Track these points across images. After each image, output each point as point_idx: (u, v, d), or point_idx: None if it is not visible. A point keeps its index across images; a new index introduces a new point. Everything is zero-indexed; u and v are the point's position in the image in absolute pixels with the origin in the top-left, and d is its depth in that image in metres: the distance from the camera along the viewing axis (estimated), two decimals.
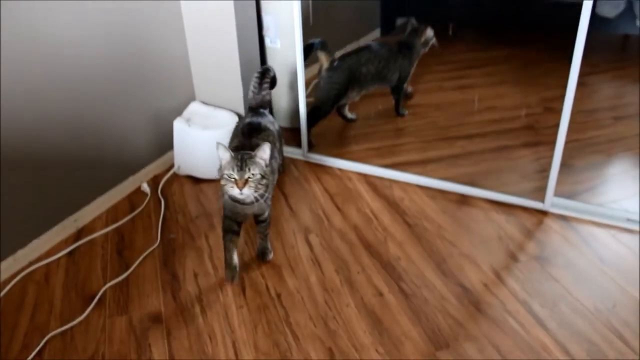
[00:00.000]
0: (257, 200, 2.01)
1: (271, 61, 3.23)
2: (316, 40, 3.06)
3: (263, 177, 1.98)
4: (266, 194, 2.07)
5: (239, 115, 2.94)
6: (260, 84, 2.56)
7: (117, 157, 2.73)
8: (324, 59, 3.13)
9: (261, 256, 2.33)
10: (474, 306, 2.05)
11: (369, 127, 3.40)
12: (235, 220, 2.16)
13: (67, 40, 2.34)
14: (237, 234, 2.19)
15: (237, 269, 2.21)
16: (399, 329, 1.97)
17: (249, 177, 1.94)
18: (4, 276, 2.27)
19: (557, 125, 2.39)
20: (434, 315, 2.01)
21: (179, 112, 2.98)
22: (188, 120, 2.88)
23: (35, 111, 2.27)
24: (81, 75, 2.43)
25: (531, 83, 3.89)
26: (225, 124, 2.83)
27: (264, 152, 1.99)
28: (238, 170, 1.93)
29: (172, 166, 3.00)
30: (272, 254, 2.34)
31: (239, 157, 1.96)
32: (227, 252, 2.19)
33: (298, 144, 3.10)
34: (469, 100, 3.70)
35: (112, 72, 2.58)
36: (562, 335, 1.91)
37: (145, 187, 2.84)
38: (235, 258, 2.20)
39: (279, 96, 3.33)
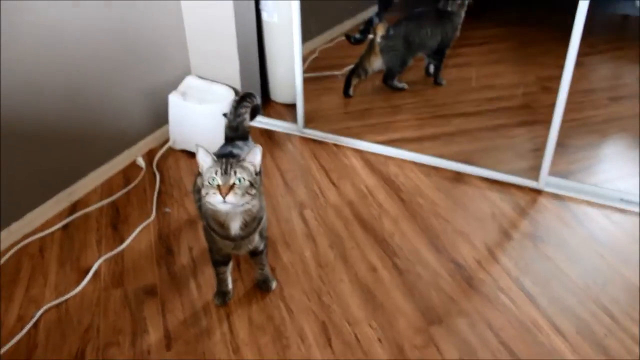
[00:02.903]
0: (247, 228, 1.75)
1: (268, 35, 3.21)
2: (373, 15, 3.33)
3: (252, 185, 1.65)
4: (262, 222, 1.83)
5: (235, 91, 2.93)
6: (237, 109, 2.03)
7: (112, 130, 2.71)
8: (380, 28, 3.31)
9: (262, 287, 2.08)
10: (467, 282, 2.06)
11: (365, 103, 3.39)
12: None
13: (63, 13, 2.31)
14: (228, 263, 1.99)
15: (230, 295, 2.04)
16: (392, 304, 1.98)
17: (235, 183, 1.62)
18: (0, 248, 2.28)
19: (553, 105, 2.39)
20: (427, 291, 2.03)
21: (174, 86, 2.97)
22: (183, 94, 2.87)
23: (31, 85, 2.25)
24: (76, 48, 2.41)
25: (528, 62, 3.88)
26: (221, 98, 2.81)
27: (255, 156, 1.68)
28: (222, 174, 1.61)
29: (167, 140, 2.99)
30: (275, 282, 2.09)
31: (224, 160, 1.64)
32: (220, 281, 2.01)
33: (294, 120, 3.09)
34: (466, 78, 3.69)
35: (107, 45, 2.56)
36: (553, 312, 1.93)
37: (140, 161, 2.83)
38: (229, 284, 2.03)
39: (276, 71, 3.31)
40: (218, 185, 1.60)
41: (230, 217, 1.71)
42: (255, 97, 2.11)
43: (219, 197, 1.60)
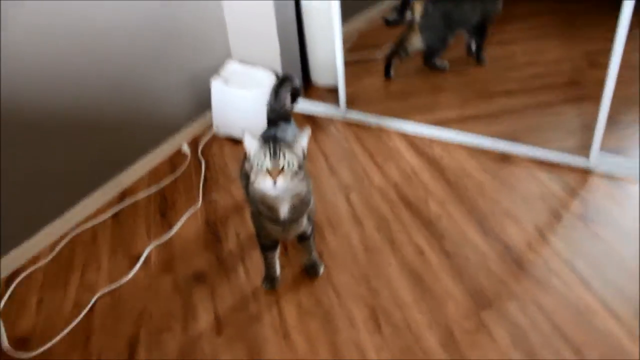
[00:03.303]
0: (296, 212, 1.75)
1: (307, 18, 3.19)
2: None
3: (300, 168, 1.65)
4: (310, 205, 1.83)
5: (276, 74, 2.93)
6: (277, 91, 2.05)
7: (156, 118, 2.75)
8: (417, 7, 3.25)
9: (310, 272, 2.08)
10: (517, 265, 2.03)
11: (407, 84, 3.35)
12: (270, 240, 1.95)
13: (104, 2, 2.33)
14: (276, 247, 2.00)
15: (278, 279, 2.05)
16: (440, 287, 1.97)
17: (284, 166, 1.61)
18: (54, 237, 2.34)
19: (602, 80, 2.31)
20: (476, 274, 2.01)
21: (215, 71, 2.98)
22: (226, 80, 2.88)
23: (75, 76, 2.29)
24: (118, 36, 2.44)
25: (575, 36, 3.76)
26: (262, 83, 2.82)
27: (303, 139, 1.67)
28: (271, 158, 1.60)
29: (211, 126, 3.01)
30: (322, 267, 2.09)
31: (271, 144, 1.62)
32: (269, 267, 2.02)
33: (335, 103, 3.08)
34: (509, 55, 3.60)
35: (148, 33, 2.58)
36: (607, 294, 1.89)
37: (186, 148, 2.86)
38: (277, 270, 2.04)
39: (317, 53, 3.29)
40: (267, 170, 1.60)
41: (279, 201, 1.71)
42: (294, 79, 2.12)
43: (269, 181, 1.60)
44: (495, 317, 1.84)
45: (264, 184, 1.62)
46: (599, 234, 2.13)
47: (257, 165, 1.62)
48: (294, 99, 2.18)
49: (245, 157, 1.74)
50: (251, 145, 1.66)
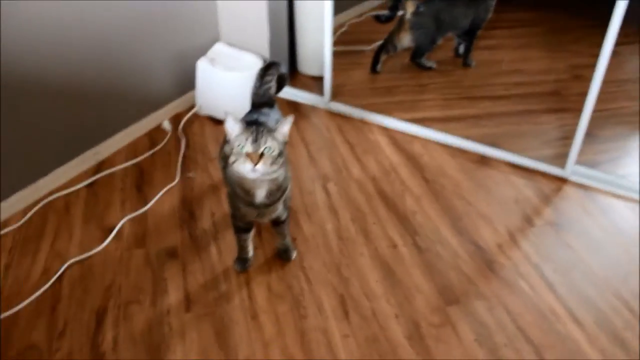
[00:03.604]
0: (272, 196, 1.76)
1: (299, 6, 3.18)
2: None
3: (280, 154, 1.66)
4: (287, 191, 1.84)
5: (264, 60, 2.92)
6: (263, 76, 2.06)
7: (139, 93, 2.72)
8: (409, 5, 3.25)
9: (283, 256, 2.09)
10: (487, 266, 2.07)
11: (393, 80, 3.37)
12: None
13: None
14: (250, 230, 1.99)
15: (250, 262, 2.06)
16: (410, 281, 1.99)
17: (265, 152, 1.62)
18: (27, 203, 2.31)
19: (584, 93, 2.36)
20: (447, 271, 2.04)
21: (203, 52, 2.96)
22: (212, 61, 2.87)
23: (61, 44, 2.26)
24: (107, 8, 2.41)
25: (560, 49, 3.81)
26: (249, 66, 2.80)
27: (285, 126, 1.68)
28: (252, 142, 1.61)
29: (193, 106, 3.00)
30: (295, 252, 2.10)
31: (253, 128, 1.64)
32: (241, 248, 2.02)
33: (320, 92, 3.08)
34: (495, 61, 3.64)
35: (138, 8, 2.56)
36: (572, 301, 1.93)
37: (166, 125, 2.84)
38: (250, 251, 2.04)
39: (305, 43, 3.29)
40: (248, 153, 1.61)
41: (256, 185, 1.72)
42: (281, 65, 2.13)
43: (248, 165, 1.61)
44: (461, 314, 1.87)
45: (244, 168, 1.63)
46: (568, 242, 2.18)
47: (238, 148, 1.62)
48: (280, 86, 2.20)
49: (225, 139, 1.74)
50: (233, 128, 1.67)
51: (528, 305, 1.91)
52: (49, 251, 2.10)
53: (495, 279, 2.01)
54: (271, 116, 1.96)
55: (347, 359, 1.72)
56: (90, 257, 2.09)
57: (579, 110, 2.41)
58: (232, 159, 1.64)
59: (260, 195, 1.75)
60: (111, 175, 2.52)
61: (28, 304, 1.89)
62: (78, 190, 2.41)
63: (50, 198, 2.35)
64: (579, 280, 2.01)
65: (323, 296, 1.93)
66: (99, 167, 2.56)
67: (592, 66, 2.28)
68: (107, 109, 2.57)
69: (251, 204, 1.77)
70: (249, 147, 1.61)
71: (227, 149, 1.69)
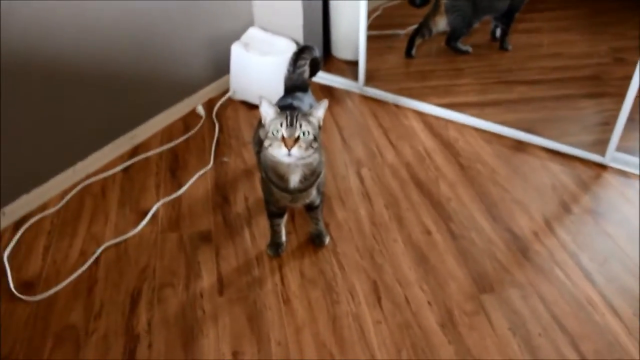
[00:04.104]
0: (306, 181, 1.75)
1: None
2: None
3: (315, 139, 1.64)
4: (320, 176, 1.82)
5: (297, 44, 2.90)
6: (296, 60, 2.07)
7: (174, 78, 2.74)
8: None
9: (316, 242, 2.08)
10: (522, 253, 2.03)
11: (428, 65, 3.33)
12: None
13: None
14: (284, 215, 2.00)
15: (284, 247, 2.06)
16: (444, 268, 1.97)
17: (300, 136, 1.61)
18: (64, 187, 2.35)
19: (626, 77, 2.28)
20: (481, 258, 2.01)
21: (237, 36, 2.96)
22: (246, 45, 2.86)
23: (98, 30, 2.29)
24: None
25: (601, 31, 3.70)
26: (283, 51, 2.79)
27: (320, 110, 1.67)
28: (287, 127, 1.60)
29: (227, 90, 3.01)
30: (328, 237, 2.09)
31: (288, 112, 1.63)
32: (275, 233, 2.02)
33: (354, 77, 3.06)
34: (533, 44, 3.56)
35: None
36: (610, 290, 1.89)
37: (200, 110, 2.86)
38: (283, 236, 2.05)
39: (339, 27, 3.27)
40: (283, 138, 1.60)
41: (290, 170, 1.71)
42: (314, 49, 2.13)
43: (283, 150, 1.60)
44: (495, 303, 1.84)
45: (279, 152, 1.62)
46: (607, 230, 2.13)
47: (273, 132, 1.62)
48: (314, 71, 2.19)
49: (259, 123, 1.74)
50: (268, 112, 1.66)
51: (564, 294, 1.88)
52: (85, 234, 2.14)
53: (530, 267, 1.98)
54: (305, 101, 1.96)
55: (379, 345, 1.72)
56: (125, 240, 2.12)
57: (620, 95, 2.33)
58: (266, 143, 1.64)
59: (295, 180, 1.74)
60: (146, 159, 2.54)
61: (66, 286, 1.93)
62: (114, 175, 2.45)
63: (87, 182, 2.39)
64: (618, 270, 1.96)
65: (356, 282, 1.93)
66: (135, 151, 2.59)
67: (635, 49, 2.22)
68: (143, 93, 2.60)
69: (285, 189, 1.77)
70: (284, 132, 1.60)
71: (261, 133, 1.69)
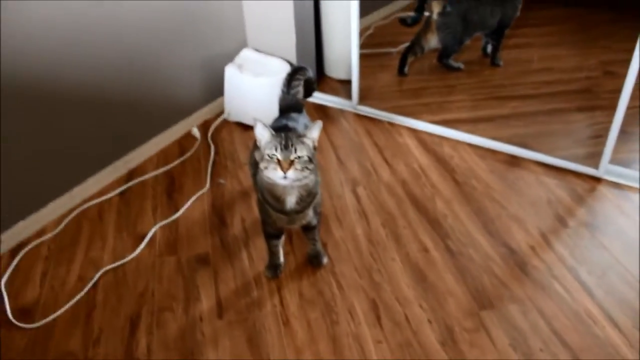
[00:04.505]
0: (302, 202, 1.76)
1: (325, 9, 3.18)
2: None
3: (310, 160, 1.66)
4: (317, 197, 1.83)
5: (291, 64, 2.92)
6: (290, 81, 2.07)
7: (168, 101, 2.75)
8: (435, 5, 3.24)
9: (314, 262, 2.08)
10: (520, 268, 2.04)
11: (420, 82, 3.35)
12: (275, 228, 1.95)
13: None
14: (281, 236, 2.01)
15: (281, 268, 2.06)
16: (443, 285, 1.98)
17: (295, 159, 1.62)
18: (61, 212, 2.35)
19: (617, 90, 2.31)
20: (479, 275, 2.01)
21: (230, 58, 2.98)
22: (240, 67, 2.88)
23: (90, 54, 2.30)
24: (135, 18, 2.44)
25: (590, 45, 3.74)
26: (277, 71, 2.81)
27: (315, 131, 1.67)
28: (282, 150, 1.61)
29: (222, 112, 3.02)
30: (326, 257, 2.09)
31: (283, 135, 1.64)
32: (272, 254, 2.03)
33: (348, 96, 3.08)
34: (524, 60, 3.59)
35: (165, 16, 2.58)
36: (609, 303, 1.89)
37: (196, 132, 2.87)
38: (281, 258, 2.05)
39: (332, 46, 3.29)
40: (278, 160, 1.61)
41: (287, 192, 1.72)
42: (308, 70, 2.14)
43: (279, 172, 1.61)
44: (495, 319, 1.85)
45: (275, 174, 1.63)
46: (604, 243, 2.14)
47: (269, 155, 1.63)
48: (308, 92, 2.21)
49: (255, 145, 1.75)
50: (262, 134, 1.67)
51: (563, 308, 1.88)
52: (83, 259, 2.14)
53: (528, 282, 1.98)
54: (300, 121, 1.97)
55: None
56: (123, 264, 2.11)
57: (611, 108, 2.36)
58: (262, 165, 1.65)
59: (291, 201, 1.75)
60: (142, 183, 2.55)
61: (64, 312, 1.92)
62: (110, 199, 2.45)
63: (84, 207, 2.39)
64: (616, 283, 1.97)
65: (355, 302, 1.93)
66: (130, 175, 2.60)
67: (624, 61, 2.23)
68: (137, 117, 2.61)
69: (282, 210, 1.78)
70: (279, 155, 1.61)
71: (257, 155, 1.70)
